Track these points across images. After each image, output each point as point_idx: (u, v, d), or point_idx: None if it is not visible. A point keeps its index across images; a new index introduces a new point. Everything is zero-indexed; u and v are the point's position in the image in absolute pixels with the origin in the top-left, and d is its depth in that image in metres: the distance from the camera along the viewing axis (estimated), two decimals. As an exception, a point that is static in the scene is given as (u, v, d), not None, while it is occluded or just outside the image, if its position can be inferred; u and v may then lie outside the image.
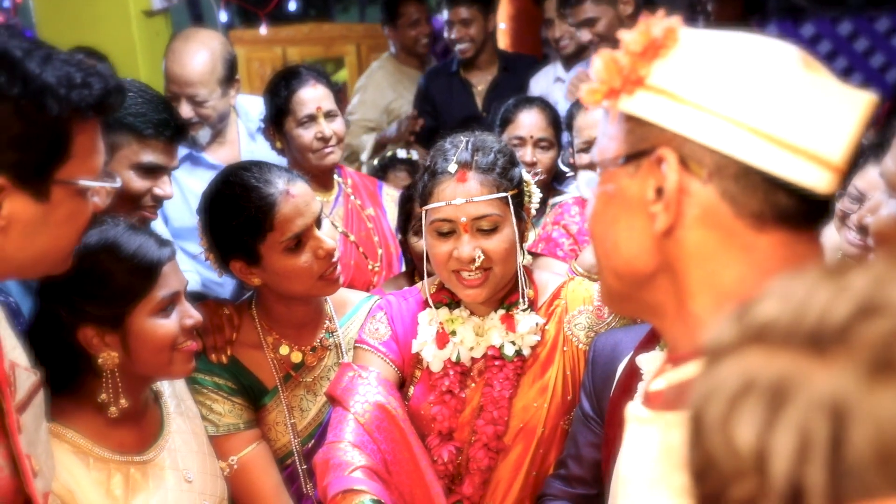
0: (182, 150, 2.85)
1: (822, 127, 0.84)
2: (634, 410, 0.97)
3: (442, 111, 4.35)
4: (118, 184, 1.41)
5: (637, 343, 1.77)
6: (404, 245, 2.71)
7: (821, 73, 0.86)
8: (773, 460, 0.52)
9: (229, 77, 2.99)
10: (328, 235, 1.99)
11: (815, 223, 0.89)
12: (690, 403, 0.59)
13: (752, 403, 0.54)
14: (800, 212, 0.86)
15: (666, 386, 0.91)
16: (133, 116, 2.04)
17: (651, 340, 1.73)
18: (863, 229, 1.82)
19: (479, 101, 4.38)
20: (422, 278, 2.56)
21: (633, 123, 0.91)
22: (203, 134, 2.99)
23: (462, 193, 1.81)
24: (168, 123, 2.11)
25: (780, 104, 0.84)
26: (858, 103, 0.84)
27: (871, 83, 4.65)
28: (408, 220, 2.67)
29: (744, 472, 0.53)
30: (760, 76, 0.85)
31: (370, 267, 2.90)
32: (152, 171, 2.11)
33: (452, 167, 1.83)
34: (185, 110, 2.86)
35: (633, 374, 1.73)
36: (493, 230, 1.84)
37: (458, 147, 1.86)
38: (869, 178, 2.19)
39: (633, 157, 0.90)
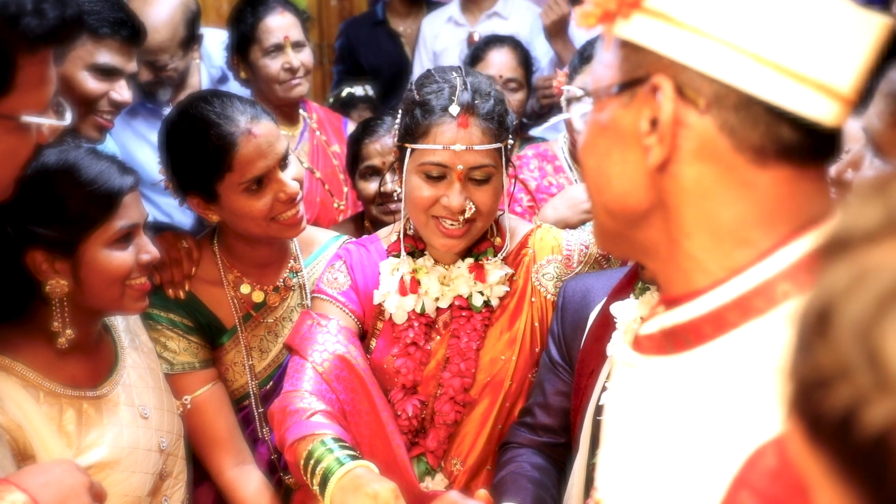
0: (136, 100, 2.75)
1: (829, 54, 0.78)
2: (622, 355, 0.92)
3: (368, 66, 4.00)
4: (67, 121, 1.31)
5: (610, 290, 1.74)
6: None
7: None
8: None
9: (191, 37, 2.81)
10: (295, 177, 1.90)
11: (821, 159, 0.84)
12: (814, 297, 0.50)
13: None
14: (805, 146, 0.80)
15: (658, 329, 0.87)
16: (87, 14, 1.93)
17: (624, 288, 1.70)
18: (841, 183, 1.79)
19: (409, 52, 4.06)
20: (371, 223, 2.50)
21: (628, 50, 0.85)
22: (164, 92, 2.84)
23: (463, 140, 1.72)
24: (125, 23, 2.04)
25: (784, 29, 0.78)
26: (870, 27, 0.79)
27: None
28: (356, 162, 2.58)
29: (891, 388, 0.44)
30: None
31: (335, 205, 2.83)
32: (108, 74, 2.04)
33: (454, 109, 1.72)
34: (144, 74, 2.70)
35: (606, 322, 1.69)
36: (484, 181, 1.76)
37: (452, 84, 1.75)
38: (848, 130, 2.15)
39: (628, 85, 0.84)
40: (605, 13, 0.84)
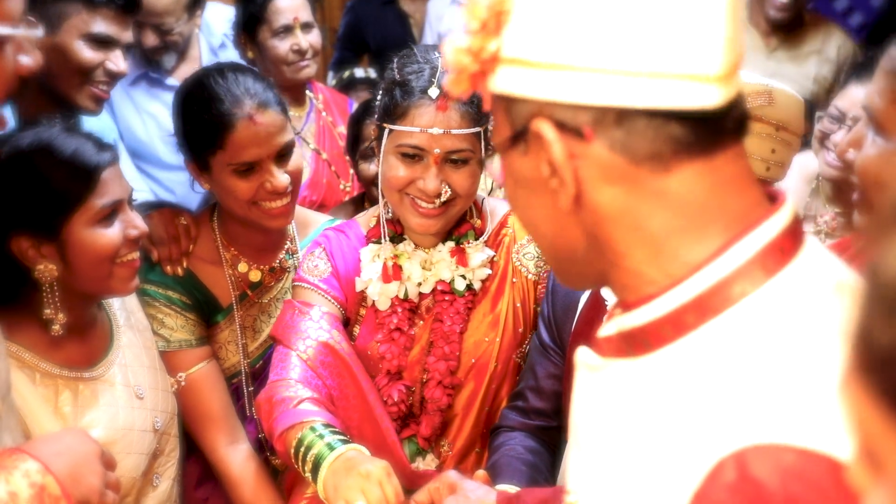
0: (139, 70, 2.76)
1: (686, 43, 0.77)
2: (584, 357, 0.92)
3: (374, 45, 3.93)
4: (39, 32, 1.22)
5: (601, 273, 1.71)
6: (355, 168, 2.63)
7: None
8: None
9: (195, 1, 2.81)
10: (291, 168, 1.88)
11: (727, 141, 0.81)
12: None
13: None
14: (701, 136, 0.79)
15: (616, 332, 0.86)
16: None
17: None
18: (844, 163, 1.74)
19: (417, 34, 3.99)
20: (371, 204, 2.48)
21: (506, 102, 0.85)
22: (168, 59, 2.84)
23: (441, 123, 1.70)
24: None
25: (632, 34, 0.77)
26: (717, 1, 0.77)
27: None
28: (356, 142, 2.56)
29: None
30: (602, 11, 0.77)
31: (342, 186, 2.83)
32: (103, 44, 2.05)
33: (434, 91, 1.69)
34: (150, 39, 2.72)
35: (597, 304, 1.68)
36: (462, 164, 1.74)
37: (433, 65, 1.72)
38: (851, 96, 2.09)
39: (517, 137, 0.84)
40: (471, 76, 0.83)
